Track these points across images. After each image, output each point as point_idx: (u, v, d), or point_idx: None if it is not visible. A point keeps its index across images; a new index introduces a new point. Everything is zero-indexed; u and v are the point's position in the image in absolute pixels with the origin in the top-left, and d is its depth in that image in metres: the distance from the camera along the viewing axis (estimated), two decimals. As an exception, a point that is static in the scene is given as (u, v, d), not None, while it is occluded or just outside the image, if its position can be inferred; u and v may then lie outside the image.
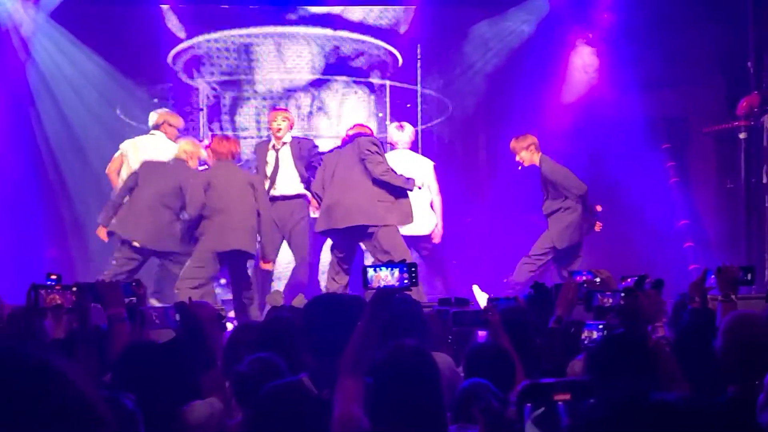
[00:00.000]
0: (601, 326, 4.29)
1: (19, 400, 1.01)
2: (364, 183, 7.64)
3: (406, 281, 3.05)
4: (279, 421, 3.03)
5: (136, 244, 7.90)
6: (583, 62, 10.69)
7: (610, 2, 10.59)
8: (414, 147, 9.31)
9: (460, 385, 3.52)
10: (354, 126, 8.34)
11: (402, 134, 8.96)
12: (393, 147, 8.95)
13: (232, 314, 7.61)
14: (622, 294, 4.20)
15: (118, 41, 10.41)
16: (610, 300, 4.37)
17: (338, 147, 8.03)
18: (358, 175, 7.66)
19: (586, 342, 4.24)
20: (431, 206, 8.90)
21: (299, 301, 7.66)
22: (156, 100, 10.61)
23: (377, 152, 7.66)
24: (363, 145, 7.67)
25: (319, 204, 7.90)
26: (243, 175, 7.99)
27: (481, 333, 5.04)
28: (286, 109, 9.02)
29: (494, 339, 4.15)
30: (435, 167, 8.99)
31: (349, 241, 7.79)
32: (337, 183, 7.69)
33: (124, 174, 8.53)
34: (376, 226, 7.58)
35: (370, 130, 8.47)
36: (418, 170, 8.66)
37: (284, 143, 8.45)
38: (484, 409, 3.16)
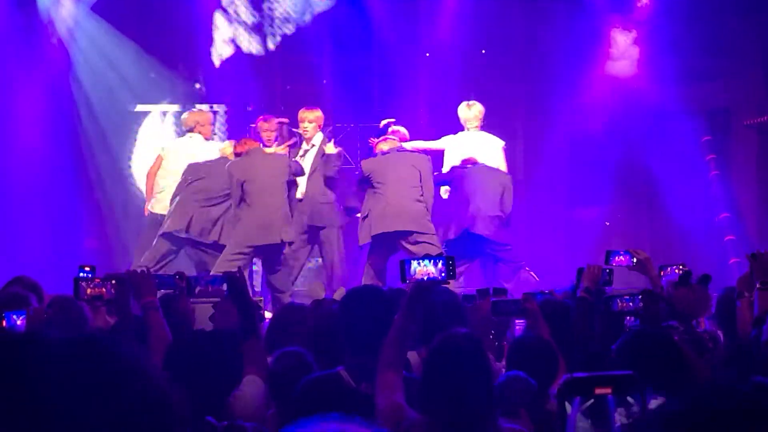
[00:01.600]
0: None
1: (100, 389, 1.02)
2: (418, 194, 7.88)
3: (443, 274, 3.05)
4: (316, 414, 3.02)
5: (182, 234, 8.00)
6: (622, 50, 10.57)
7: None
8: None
9: (498, 378, 3.50)
10: (395, 132, 8.39)
11: (469, 112, 8.74)
12: (461, 127, 8.76)
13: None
14: (640, 297, 4.29)
15: (157, 32, 10.50)
16: (630, 304, 4.39)
17: (381, 153, 8.13)
18: (414, 186, 7.86)
19: (628, 325, 4.33)
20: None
21: (340, 294, 7.69)
22: (198, 85, 10.73)
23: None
24: (426, 168, 8.00)
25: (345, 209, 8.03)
26: (278, 161, 7.99)
27: (519, 323, 5.02)
28: (315, 108, 8.60)
29: (533, 328, 4.14)
30: (504, 148, 8.75)
31: (394, 246, 7.90)
32: (392, 189, 7.85)
33: (162, 175, 8.62)
34: (424, 233, 7.79)
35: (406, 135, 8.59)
36: (489, 151, 8.54)
37: (313, 145, 8.34)
38: (529, 404, 3.16)
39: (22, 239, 8.97)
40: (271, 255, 7.79)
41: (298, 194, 8.13)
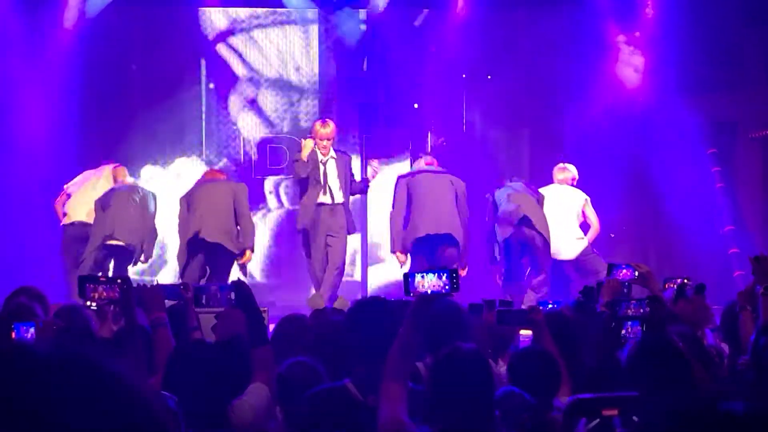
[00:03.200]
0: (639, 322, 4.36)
1: (77, 403, 1.02)
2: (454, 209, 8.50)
3: (447, 287, 3.06)
4: (324, 426, 3.04)
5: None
6: (626, 62, 10.59)
7: (654, 1, 10.49)
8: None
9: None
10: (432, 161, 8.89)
11: (561, 175, 9.20)
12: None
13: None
14: (647, 301, 4.29)
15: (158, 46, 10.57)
16: (633, 309, 4.41)
17: (418, 172, 8.69)
18: (451, 202, 8.47)
19: (627, 336, 4.31)
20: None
21: (341, 303, 7.69)
22: (212, 85, 10.81)
23: None
24: (462, 191, 8.57)
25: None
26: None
27: (523, 336, 5.03)
28: (329, 122, 8.83)
29: (538, 338, 4.15)
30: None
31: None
32: (433, 201, 8.40)
33: None
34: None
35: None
36: (572, 204, 8.95)
37: (330, 157, 8.57)
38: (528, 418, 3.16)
39: (27, 247, 8.99)
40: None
41: (339, 198, 8.45)
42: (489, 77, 10.93)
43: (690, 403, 1.32)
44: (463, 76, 10.94)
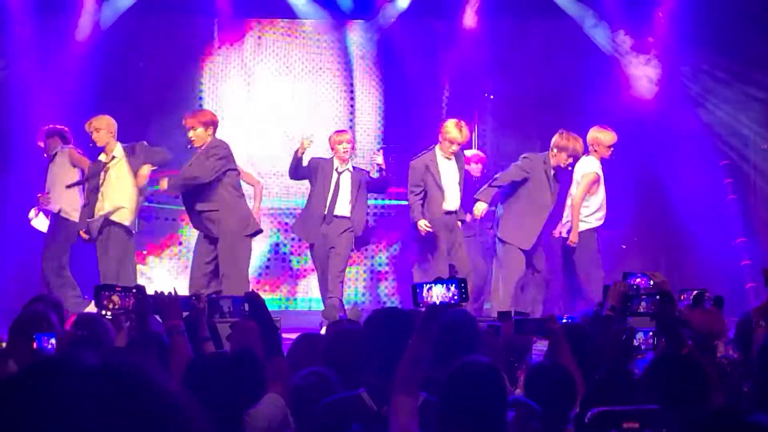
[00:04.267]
0: (651, 333, 4.37)
1: (115, 410, 1.02)
2: None
3: (456, 297, 3.06)
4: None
5: None
6: (638, 70, 10.58)
7: (668, 7, 10.49)
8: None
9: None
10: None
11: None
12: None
13: None
14: (658, 298, 4.28)
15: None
16: (644, 305, 4.40)
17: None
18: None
19: (640, 347, 4.33)
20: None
21: (355, 314, 7.71)
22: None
23: None
24: None
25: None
26: None
27: (537, 350, 5.02)
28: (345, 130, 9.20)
29: (555, 348, 4.14)
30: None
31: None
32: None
33: None
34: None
35: None
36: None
37: (346, 169, 8.66)
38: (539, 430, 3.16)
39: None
40: None
41: (346, 212, 8.49)
42: (491, 97, 10.98)
43: (716, 416, 1.32)
44: (491, 96, 10.97)
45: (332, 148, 8.63)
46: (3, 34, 10.07)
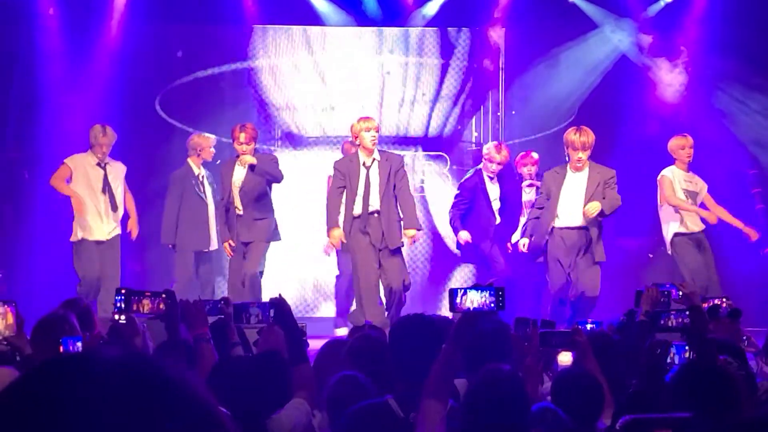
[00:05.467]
0: (686, 347, 4.31)
1: (151, 410, 1.02)
2: None
3: (492, 304, 3.05)
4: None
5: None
6: (668, 77, 10.52)
7: (699, 15, 10.43)
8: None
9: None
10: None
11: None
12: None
13: None
14: (688, 313, 4.30)
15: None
16: (674, 320, 4.38)
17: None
18: None
19: (673, 362, 4.28)
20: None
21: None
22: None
23: None
24: None
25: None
26: None
27: (561, 363, 4.97)
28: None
29: (581, 361, 4.12)
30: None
31: None
32: None
33: None
34: None
35: None
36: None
37: (374, 159, 8.01)
38: None
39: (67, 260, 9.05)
40: None
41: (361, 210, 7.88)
42: (513, 113, 10.98)
43: (749, 424, 1.30)
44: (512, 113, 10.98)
45: (356, 137, 7.91)
46: (35, 40, 10.17)
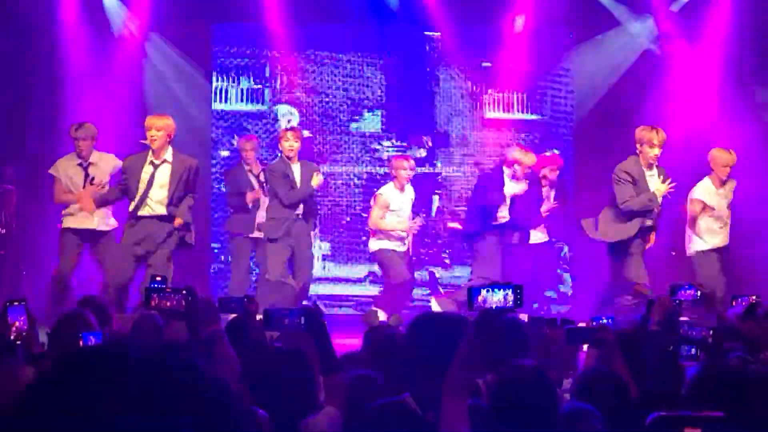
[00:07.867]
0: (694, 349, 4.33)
1: (180, 401, 1.02)
2: None
3: (510, 302, 3.06)
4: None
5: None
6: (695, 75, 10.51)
7: (726, 15, 10.37)
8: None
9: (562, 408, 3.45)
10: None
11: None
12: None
13: None
14: (711, 332, 4.34)
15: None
16: (696, 332, 4.36)
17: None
18: None
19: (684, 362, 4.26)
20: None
21: (395, 320, 7.70)
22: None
23: None
24: None
25: None
26: None
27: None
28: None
29: (608, 358, 4.06)
30: None
31: None
32: None
33: None
34: None
35: None
36: None
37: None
38: None
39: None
40: None
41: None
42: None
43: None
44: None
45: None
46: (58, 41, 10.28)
